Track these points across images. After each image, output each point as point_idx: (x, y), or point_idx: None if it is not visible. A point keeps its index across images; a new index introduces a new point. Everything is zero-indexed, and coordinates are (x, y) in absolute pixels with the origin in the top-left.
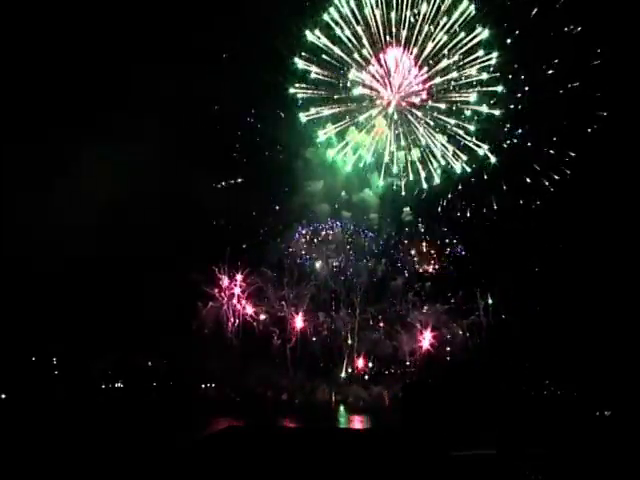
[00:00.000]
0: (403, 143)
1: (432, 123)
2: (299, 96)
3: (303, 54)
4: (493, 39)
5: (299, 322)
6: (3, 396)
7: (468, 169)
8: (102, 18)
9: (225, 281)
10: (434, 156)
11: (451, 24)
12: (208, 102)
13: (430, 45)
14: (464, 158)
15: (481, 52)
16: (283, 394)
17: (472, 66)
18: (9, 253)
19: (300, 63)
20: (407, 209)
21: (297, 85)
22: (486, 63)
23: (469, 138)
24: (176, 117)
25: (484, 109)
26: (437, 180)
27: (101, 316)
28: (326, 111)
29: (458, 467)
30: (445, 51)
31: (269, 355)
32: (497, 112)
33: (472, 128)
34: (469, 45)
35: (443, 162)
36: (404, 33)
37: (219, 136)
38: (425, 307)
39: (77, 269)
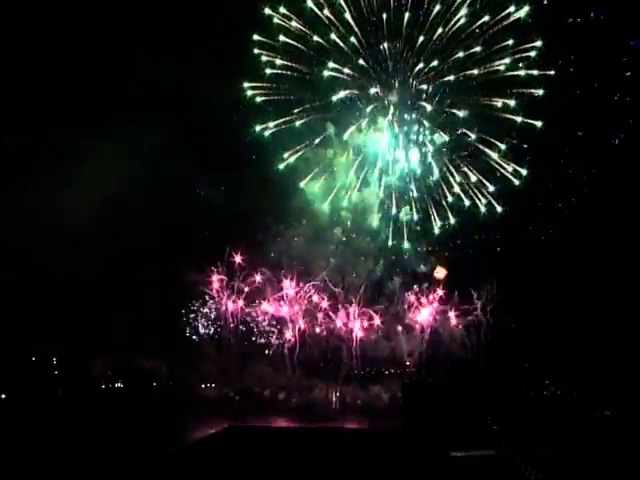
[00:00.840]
0: (404, 163)
1: (447, 137)
2: (258, 99)
3: (263, 40)
4: (534, 20)
5: (298, 322)
6: (3, 396)
7: (498, 208)
8: (97, 20)
9: (224, 281)
10: (449, 186)
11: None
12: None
13: (441, 30)
14: (490, 189)
15: (512, 41)
16: (280, 393)
17: (502, 59)
18: (9, 253)
19: (262, 54)
20: (406, 208)
21: (254, 84)
22: (523, 55)
23: (503, 163)
24: (174, 114)
25: (518, 118)
26: (452, 220)
27: (101, 316)
28: (297, 121)
29: (458, 467)
30: (462, 37)
31: (267, 355)
32: (539, 123)
33: (503, 147)
34: (497, 29)
35: (466, 200)
36: (407, 14)
37: (217, 135)
38: (424, 307)
39: (76, 269)
